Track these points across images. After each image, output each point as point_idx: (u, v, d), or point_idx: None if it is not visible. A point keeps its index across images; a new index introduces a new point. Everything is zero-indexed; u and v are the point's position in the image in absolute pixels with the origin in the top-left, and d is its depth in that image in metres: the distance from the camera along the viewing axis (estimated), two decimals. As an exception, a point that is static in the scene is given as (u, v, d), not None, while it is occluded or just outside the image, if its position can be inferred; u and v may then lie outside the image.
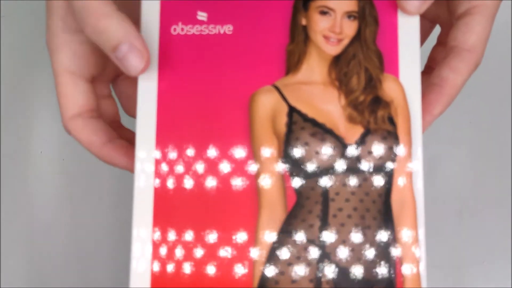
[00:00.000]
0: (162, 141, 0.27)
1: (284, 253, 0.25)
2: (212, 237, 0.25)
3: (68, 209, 0.58)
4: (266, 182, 0.25)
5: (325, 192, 0.25)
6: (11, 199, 0.58)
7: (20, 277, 0.58)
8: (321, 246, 0.25)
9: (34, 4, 0.58)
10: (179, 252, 0.26)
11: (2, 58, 0.58)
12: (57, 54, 0.31)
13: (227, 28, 0.27)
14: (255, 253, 0.25)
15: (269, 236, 0.25)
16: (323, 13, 0.27)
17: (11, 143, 0.58)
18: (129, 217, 0.57)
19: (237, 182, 0.26)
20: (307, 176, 0.25)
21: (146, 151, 0.27)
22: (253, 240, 0.25)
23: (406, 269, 0.25)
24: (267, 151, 0.26)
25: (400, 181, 0.26)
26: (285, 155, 0.26)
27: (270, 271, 0.25)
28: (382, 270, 0.25)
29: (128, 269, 0.28)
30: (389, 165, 0.26)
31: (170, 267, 0.26)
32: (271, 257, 0.24)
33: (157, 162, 0.27)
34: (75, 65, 0.31)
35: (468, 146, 0.56)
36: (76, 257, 0.58)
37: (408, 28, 0.27)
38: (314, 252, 0.25)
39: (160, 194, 0.27)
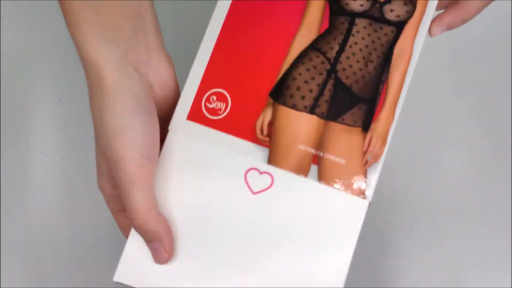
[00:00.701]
0: None
1: (306, 61, 0.34)
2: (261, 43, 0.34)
3: (68, 209, 0.58)
4: (311, 8, 0.34)
5: (349, 28, 0.34)
6: (11, 199, 0.58)
7: (20, 277, 0.58)
8: (333, 63, 0.34)
9: (34, 4, 0.59)
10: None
11: (2, 58, 0.58)
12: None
13: None
14: (287, 57, 0.34)
15: (300, 46, 0.34)
16: None
17: (11, 143, 0.58)
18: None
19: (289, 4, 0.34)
20: (342, 13, 0.34)
21: None
22: (288, 47, 0.34)
23: (388, 98, 0.33)
24: None
25: (406, 34, 0.34)
26: None
27: (292, 70, 0.33)
28: (370, 92, 0.34)
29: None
30: (402, 23, 0.34)
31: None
32: (296, 61, 0.33)
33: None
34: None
35: (468, 146, 0.56)
36: (76, 257, 0.58)
37: None
38: (327, 66, 0.34)
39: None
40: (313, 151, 0.33)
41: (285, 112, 0.33)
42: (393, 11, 0.34)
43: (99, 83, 0.32)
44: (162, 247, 0.33)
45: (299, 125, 0.33)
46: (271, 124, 0.33)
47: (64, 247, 0.58)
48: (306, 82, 0.33)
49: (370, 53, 0.34)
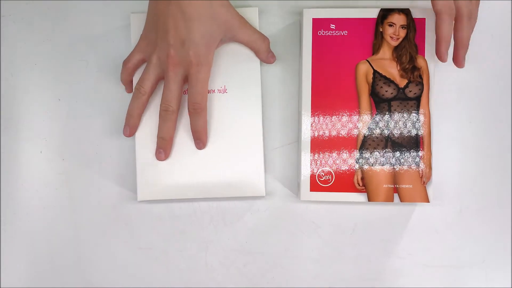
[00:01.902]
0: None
1: (370, 132, 0.54)
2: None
3: (68, 209, 0.58)
4: (362, 97, 0.54)
5: (389, 106, 0.53)
6: (11, 199, 0.58)
7: (20, 277, 0.58)
8: (387, 131, 0.54)
9: (34, 4, 0.58)
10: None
11: (2, 58, 0.58)
12: (208, 72, 0.51)
13: (345, 33, 0.53)
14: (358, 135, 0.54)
15: (365, 124, 0.54)
16: (390, 25, 0.53)
17: (11, 143, 0.58)
18: (129, 217, 0.57)
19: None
20: (381, 100, 0.53)
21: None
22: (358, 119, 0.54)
23: (424, 144, 0.53)
24: (363, 89, 0.53)
25: (423, 102, 0.53)
26: (371, 91, 0.53)
27: (367, 138, 0.54)
28: (412, 142, 0.53)
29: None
30: (418, 96, 0.53)
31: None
32: (366, 137, 0.54)
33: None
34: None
35: (468, 146, 0.56)
36: (76, 257, 0.58)
37: (430, 33, 0.53)
38: (385, 133, 0.54)
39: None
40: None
41: (370, 170, 0.53)
42: (411, 91, 0.53)
43: None
44: (272, 52, 0.55)
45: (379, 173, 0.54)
46: (363, 178, 0.53)
47: (64, 247, 0.58)
48: (376, 138, 0.54)
49: (405, 120, 0.53)
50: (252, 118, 0.54)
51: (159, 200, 0.57)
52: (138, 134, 0.54)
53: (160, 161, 0.54)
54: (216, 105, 0.54)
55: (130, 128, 0.54)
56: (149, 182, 0.54)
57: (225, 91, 0.54)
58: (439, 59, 0.50)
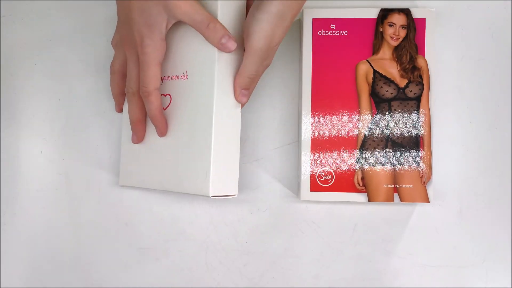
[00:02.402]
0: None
1: (372, 136, 0.54)
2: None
3: (68, 209, 0.58)
4: (362, 100, 0.54)
5: (389, 106, 0.53)
6: (11, 199, 0.58)
7: (20, 277, 0.58)
8: (388, 135, 0.54)
9: (34, 4, 0.58)
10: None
11: (2, 58, 0.58)
12: (155, 53, 0.47)
13: (345, 33, 0.54)
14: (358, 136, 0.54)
15: (365, 124, 0.54)
16: (390, 25, 0.53)
17: (11, 143, 0.58)
18: (129, 218, 0.57)
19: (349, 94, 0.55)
20: (381, 100, 0.53)
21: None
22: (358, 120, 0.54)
23: (425, 144, 0.54)
24: (363, 89, 0.53)
25: (423, 102, 0.53)
26: (372, 91, 0.53)
27: (367, 138, 0.54)
28: (412, 142, 0.53)
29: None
30: (418, 96, 0.53)
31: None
32: (366, 136, 0.54)
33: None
34: (162, 58, 0.48)
35: (468, 146, 0.56)
36: (76, 257, 0.58)
37: (429, 33, 0.53)
38: (385, 133, 0.54)
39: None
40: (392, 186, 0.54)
41: (370, 170, 0.53)
42: (411, 91, 0.53)
43: None
44: (229, 36, 0.47)
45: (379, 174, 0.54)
46: (363, 178, 0.53)
47: (64, 247, 0.58)
48: (376, 138, 0.54)
49: (405, 120, 0.53)
50: (205, 110, 0.48)
51: (159, 200, 0.57)
52: (125, 120, 0.55)
53: (135, 144, 0.53)
54: (178, 92, 0.50)
55: (117, 105, 0.56)
56: (127, 168, 0.54)
57: (186, 77, 0.50)
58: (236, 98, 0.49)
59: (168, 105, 0.51)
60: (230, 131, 0.49)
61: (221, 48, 0.47)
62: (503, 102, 0.56)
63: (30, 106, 0.58)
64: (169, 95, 0.52)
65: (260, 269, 0.57)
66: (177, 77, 0.51)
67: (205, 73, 0.48)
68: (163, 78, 0.52)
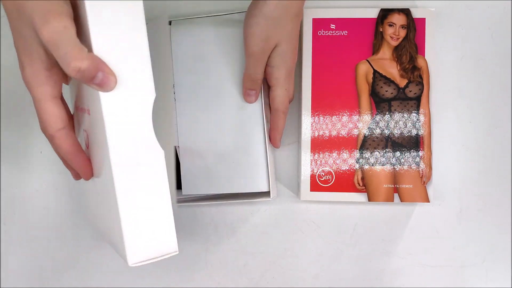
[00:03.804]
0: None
1: (372, 136, 0.54)
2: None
3: (68, 209, 0.58)
4: (362, 100, 0.54)
5: (389, 106, 0.53)
6: (11, 199, 0.58)
7: (20, 277, 0.58)
8: (388, 135, 0.54)
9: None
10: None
11: (2, 58, 0.58)
12: (42, 87, 0.38)
13: (345, 33, 0.53)
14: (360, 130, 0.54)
15: (365, 124, 0.54)
16: (390, 25, 0.53)
17: (11, 143, 0.58)
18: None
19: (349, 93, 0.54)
20: (381, 100, 0.53)
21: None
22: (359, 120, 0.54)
23: (425, 144, 0.53)
24: (363, 89, 0.53)
25: (423, 101, 0.53)
26: (372, 91, 0.53)
27: (367, 138, 0.54)
28: (412, 142, 0.53)
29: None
30: (418, 96, 0.53)
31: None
32: (366, 136, 0.54)
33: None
34: (56, 91, 0.39)
35: (468, 146, 0.56)
36: (76, 257, 0.58)
37: (429, 32, 0.53)
38: (385, 133, 0.53)
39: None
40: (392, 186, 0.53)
41: (370, 170, 0.53)
42: (411, 91, 0.53)
43: None
44: (105, 73, 0.35)
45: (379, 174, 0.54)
46: (363, 178, 0.53)
47: (64, 247, 0.58)
48: (376, 138, 0.54)
49: (405, 119, 0.53)
50: (106, 159, 0.37)
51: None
52: None
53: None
54: (89, 128, 0.41)
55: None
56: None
57: (89, 112, 0.40)
58: (273, 145, 0.52)
59: (88, 143, 0.41)
60: (148, 177, 0.37)
61: (97, 89, 0.36)
62: (503, 102, 0.56)
63: (30, 106, 0.58)
64: (85, 131, 0.41)
65: (260, 269, 0.57)
66: (85, 110, 0.41)
67: (97, 110, 0.37)
68: (79, 110, 0.42)
